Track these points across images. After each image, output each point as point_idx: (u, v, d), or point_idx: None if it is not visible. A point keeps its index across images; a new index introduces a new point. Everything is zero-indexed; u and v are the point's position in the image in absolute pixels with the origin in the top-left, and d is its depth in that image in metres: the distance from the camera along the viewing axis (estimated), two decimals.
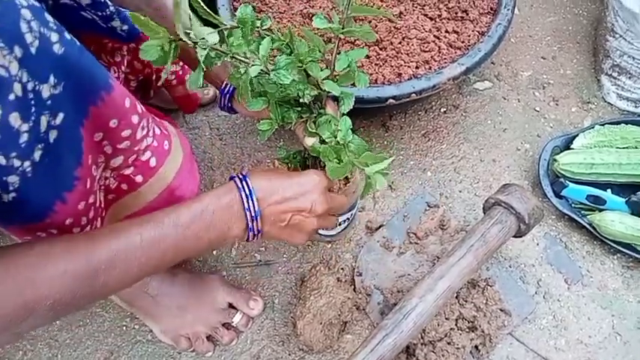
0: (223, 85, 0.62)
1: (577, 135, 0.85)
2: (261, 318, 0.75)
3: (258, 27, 0.50)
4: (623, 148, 0.83)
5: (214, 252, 0.81)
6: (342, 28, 0.51)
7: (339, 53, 0.54)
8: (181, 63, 0.78)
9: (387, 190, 0.86)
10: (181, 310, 0.72)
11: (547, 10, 1.08)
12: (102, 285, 0.42)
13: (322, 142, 0.56)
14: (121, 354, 0.74)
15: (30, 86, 0.35)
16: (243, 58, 0.47)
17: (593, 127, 0.85)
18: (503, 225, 0.67)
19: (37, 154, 0.38)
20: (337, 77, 0.55)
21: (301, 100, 0.54)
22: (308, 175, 0.55)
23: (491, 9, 0.88)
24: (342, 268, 0.77)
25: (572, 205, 0.81)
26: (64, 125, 0.40)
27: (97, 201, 0.50)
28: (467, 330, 0.69)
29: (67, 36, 0.39)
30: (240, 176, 0.52)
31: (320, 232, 0.77)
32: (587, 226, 0.78)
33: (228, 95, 0.63)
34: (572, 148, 0.84)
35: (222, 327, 0.73)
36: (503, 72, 0.99)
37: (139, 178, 0.53)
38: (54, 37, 0.37)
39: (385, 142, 0.92)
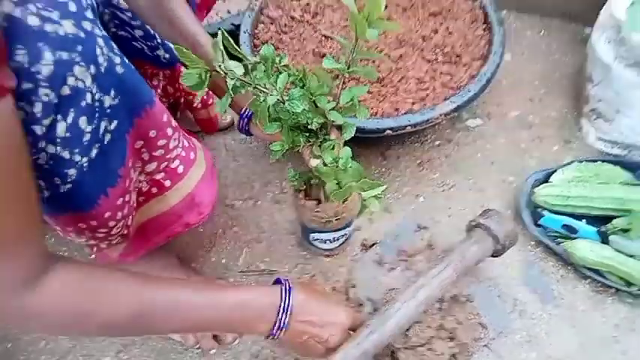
0: (243, 111, 0.72)
1: (556, 170, 0.94)
2: None
3: (277, 63, 0.61)
4: (597, 183, 0.91)
5: (223, 260, 0.90)
6: (348, 68, 0.62)
7: (344, 89, 0.64)
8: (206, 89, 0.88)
9: (383, 212, 0.95)
10: None
11: (536, 57, 1.19)
12: (144, 321, 0.49)
13: (325, 164, 0.66)
14: (133, 348, 0.82)
15: (97, 97, 0.45)
16: (263, 89, 0.57)
17: (570, 164, 0.94)
18: (480, 244, 0.75)
19: (93, 152, 0.48)
20: (341, 109, 0.65)
21: (309, 127, 0.64)
22: (338, 312, 0.62)
23: (483, 55, 0.98)
24: (337, 280, 0.85)
25: (549, 233, 0.90)
26: (116, 131, 0.50)
27: (131, 200, 0.59)
28: (447, 339, 0.77)
29: (125, 60, 0.50)
30: (287, 287, 0.58)
31: (319, 245, 0.86)
32: (561, 253, 0.87)
33: (246, 119, 0.73)
34: (551, 182, 0.93)
35: None
36: (494, 111, 1.09)
37: (167, 183, 0.63)
38: (117, 60, 0.48)
39: (383, 170, 1.01)
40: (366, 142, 1.03)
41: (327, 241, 0.84)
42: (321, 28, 1.03)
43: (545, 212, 0.89)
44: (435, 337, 0.76)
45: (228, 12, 1.23)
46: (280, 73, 0.60)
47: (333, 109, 0.63)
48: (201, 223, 0.71)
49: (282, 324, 0.57)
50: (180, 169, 0.64)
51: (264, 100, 0.58)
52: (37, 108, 0.41)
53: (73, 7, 0.41)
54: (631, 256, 0.83)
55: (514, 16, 1.26)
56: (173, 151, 0.61)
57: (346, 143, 0.69)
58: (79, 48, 0.42)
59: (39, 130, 0.43)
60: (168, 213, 0.66)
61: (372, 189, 0.62)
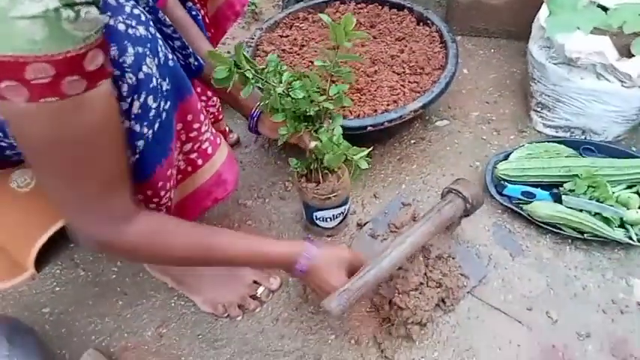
0: (252, 111, 0.91)
1: (512, 151, 1.13)
2: (279, 291, 0.98)
3: (279, 68, 0.81)
4: (547, 158, 1.10)
5: None
6: (333, 68, 0.82)
7: (332, 85, 0.84)
8: (217, 105, 1.07)
9: (372, 198, 1.12)
10: (219, 285, 0.95)
11: (489, 69, 1.41)
12: (205, 259, 0.72)
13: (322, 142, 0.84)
14: (171, 323, 0.95)
15: (159, 81, 0.62)
16: (272, 83, 0.76)
17: (523, 146, 1.14)
18: (452, 204, 0.92)
19: (156, 126, 0.64)
20: (331, 100, 0.84)
21: (308, 114, 0.82)
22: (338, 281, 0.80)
23: (441, 66, 1.20)
24: None
25: (512, 200, 1.07)
26: (169, 110, 0.66)
27: (174, 175, 0.76)
28: (434, 287, 0.92)
29: (174, 57, 0.68)
30: (309, 248, 0.79)
31: (320, 224, 1.02)
32: (525, 215, 1.04)
33: (255, 119, 0.91)
34: (509, 160, 1.11)
35: (249, 297, 0.95)
36: (457, 113, 1.30)
37: (199, 162, 0.79)
38: (170, 56, 0.65)
39: (369, 166, 1.19)
40: (353, 144, 1.21)
41: (328, 219, 1.00)
42: (307, 56, 1.25)
43: (506, 184, 1.07)
44: (423, 284, 0.90)
45: (228, 52, 1.45)
46: (283, 73, 0.80)
47: (325, 100, 0.83)
48: (227, 197, 0.87)
49: (303, 267, 0.78)
50: (210, 150, 0.80)
51: (273, 91, 0.78)
52: (124, 88, 0.57)
53: (143, 17, 0.60)
54: (580, 210, 1.01)
55: (467, 39, 1.51)
56: (204, 134, 0.78)
57: None
58: (149, 45, 0.60)
59: (123, 106, 0.59)
60: (200, 189, 0.82)
61: (359, 153, 0.80)
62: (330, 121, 0.89)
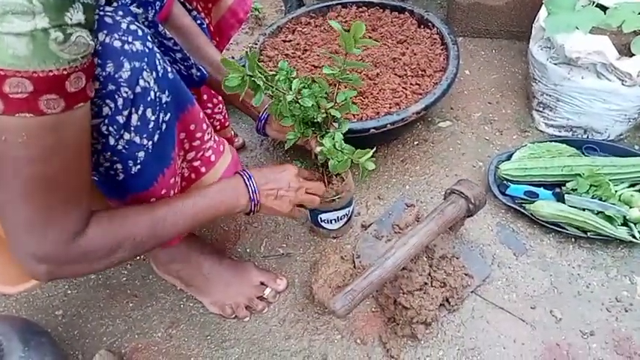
0: (260, 114, 0.93)
1: (515, 151, 1.14)
2: (286, 292, 0.99)
3: (289, 74, 0.82)
4: (549, 157, 1.11)
5: (247, 249, 1.07)
6: (341, 75, 0.83)
7: (339, 92, 0.85)
8: (224, 112, 1.09)
9: (376, 200, 1.14)
10: (226, 286, 0.97)
11: (491, 69, 1.43)
12: (160, 230, 0.69)
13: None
14: (180, 324, 0.97)
15: (157, 94, 0.64)
16: (282, 90, 0.78)
17: (525, 146, 1.15)
18: (455, 204, 0.94)
19: (155, 137, 0.66)
20: (338, 107, 0.86)
21: (315, 120, 0.84)
22: (283, 166, 0.86)
23: (442, 68, 1.21)
24: (344, 254, 1.02)
25: (515, 200, 1.08)
26: (169, 121, 0.67)
27: (178, 183, 0.77)
28: (439, 286, 0.93)
29: (174, 70, 0.69)
30: (242, 170, 0.81)
31: (326, 226, 1.03)
32: (528, 214, 1.05)
33: (263, 121, 0.93)
34: (511, 160, 1.12)
35: (256, 299, 0.97)
36: (460, 114, 1.31)
37: (202, 169, 0.81)
38: (169, 69, 0.67)
39: (375, 166, 1.20)
40: (356, 146, 1.22)
41: (333, 221, 1.02)
42: (310, 60, 1.27)
43: (509, 184, 1.08)
44: (428, 284, 0.92)
45: (232, 58, 1.47)
46: (293, 80, 0.82)
47: (332, 107, 0.84)
48: None
49: (252, 188, 0.79)
50: (213, 158, 0.82)
51: (283, 99, 0.80)
52: (120, 102, 0.59)
53: (140, 33, 0.61)
54: (583, 209, 1.02)
55: (468, 40, 1.52)
56: (207, 142, 0.80)
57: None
58: (146, 59, 0.61)
59: (120, 119, 0.61)
60: None
61: (364, 155, 0.82)
62: (337, 125, 0.91)
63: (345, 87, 1.13)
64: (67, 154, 0.54)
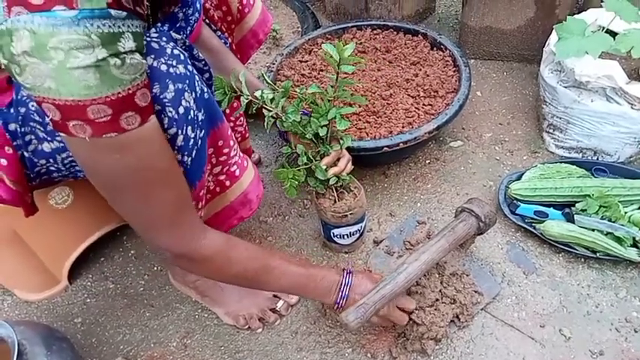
0: None
1: (525, 171, 1.16)
2: (298, 305, 1.02)
3: (296, 91, 0.87)
4: (559, 178, 1.13)
5: None
6: (334, 93, 0.87)
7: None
8: (245, 125, 1.13)
9: (388, 217, 1.16)
10: (240, 298, 0.99)
11: (502, 91, 1.45)
12: (260, 279, 0.79)
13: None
14: (195, 334, 1.00)
15: (196, 113, 0.68)
16: (280, 114, 0.84)
17: (536, 166, 1.17)
18: (466, 222, 0.96)
19: (193, 153, 0.70)
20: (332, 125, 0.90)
21: (307, 136, 0.89)
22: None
23: (454, 89, 1.25)
24: (356, 268, 1.04)
25: (525, 219, 1.10)
26: (203, 137, 0.72)
27: (204, 195, 0.81)
28: (449, 303, 0.94)
29: (209, 90, 0.74)
30: (348, 271, 0.87)
31: (338, 241, 1.06)
32: (538, 234, 1.06)
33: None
34: (521, 180, 1.14)
35: (269, 311, 0.99)
36: (471, 134, 1.34)
37: (227, 183, 0.84)
38: (205, 89, 0.71)
39: (385, 185, 1.23)
40: (370, 164, 1.26)
41: (345, 236, 1.04)
42: (325, 80, 1.31)
43: (519, 203, 1.10)
44: (439, 300, 0.93)
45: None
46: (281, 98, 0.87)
47: (325, 125, 0.89)
48: (252, 216, 0.91)
49: (344, 294, 0.84)
50: (237, 173, 0.86)
51: (286, 120, 0.85)
52: (165, 121, 0.63)
53: (182, 57, 0.66)
54: (592, 230, 1.03)
55: (480, 62, 1.56)
56: (233, 158, 0.83)
57: (354, 165, 0.98)
58: (187, 81, 0.65)
59: (165, 137, 0.66)
60: (227, 208, 0.87)
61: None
62: (338, 142, 0.95)
63: (356, 105, 1.18)
64: (160, 159, 0.61)
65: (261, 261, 0.79)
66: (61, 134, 0.54)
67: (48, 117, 0.52)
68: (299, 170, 0.91)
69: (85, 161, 0.58)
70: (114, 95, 0.51)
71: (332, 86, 0.87)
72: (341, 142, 0.94)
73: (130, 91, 0.53)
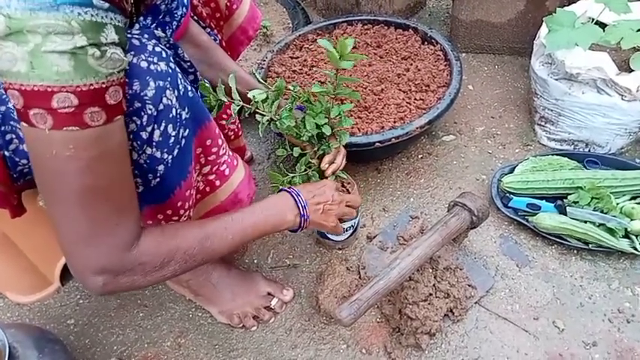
0: None
1: (517, 165, 1.16)
2: (292, 302, 1.01)
3: (289, 89, 0.86)
4: (551, 170, 1.13)
5: (255, 260, 1.10)
6: (334, 91, 0.86)
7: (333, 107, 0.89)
8: (237, 122, 1.12)
9: (381, 212, 1.16)
10: (234, 296, 0.99)
11: (494, 85, 1.45)
12: (209, 247, 0.71)
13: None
14: (189, 333, 0.99)
15: (178, 111, 0.67)
16: (272, 116, 0.83)
17: (528, 159, 1.17)
18: (458, 216, 0.96)
19: (175, 151, 0.69)
20: (333, 121, 0.89)
21: (303, 138, 0.88)
22: (323, 181, 0.88)
23: (446, 83, 1.24)
24: (350, 265, 1.04)
25: (518, 212, 1.10)
26: (188, 136, 0.71)
27: (193, 195, 0.80)
28: (443, 297, 0.94)
29: (193, 88, 0.73)
30: (288, 187, 0.85)
31: (332, 237, 1.06)
32: (530, 226, 1.06)
33: None
34: (514, 173, 1.14)
35: (263, 309, 0.99)
36: (463, 128, 1.34)
37: (217, 182, 0.84)
38: (189, 88, 0.71)
39: (378, 181, 1.23)
40: (362, 160, 1.26)
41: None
42: (316, 76, 1.30)
43: (512, 196, 1.10)
44: (432, 295, 0.93)
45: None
46: (293, 99, 0.86)
47: (326, 123, 0.88)
48: None
49: (303, 203, 0.81)
50: (227, 172, 0.85)
51: (281, 125, 0.85)
52: (144, 119, 0.62)
53: (164, 54, 0.65)
54: (584, 221, 1.03)
55: (472, 56, 1.55)
56: (222, 157, 0.83)
57: (347, 160, 0.97)
58: (169, 79, 0.65)
59: (144, 135, 0.64)
60: (217, 208, 0.87)
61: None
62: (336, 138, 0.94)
63: (348, 101, 1.17)
64: (111, 165, 0.57)
65: (197, 233, 0.70)
66: (22, 124, 0.51)
67: (12, 105, 0.50)
68: (294, 177, 0.90)
69: (36, 155, 0.54)
70: (85, 86, 0.50)
71: (331, 83, 0.86)
72: (339, 139, 0.93)
73: (103, 85, 0.51)
